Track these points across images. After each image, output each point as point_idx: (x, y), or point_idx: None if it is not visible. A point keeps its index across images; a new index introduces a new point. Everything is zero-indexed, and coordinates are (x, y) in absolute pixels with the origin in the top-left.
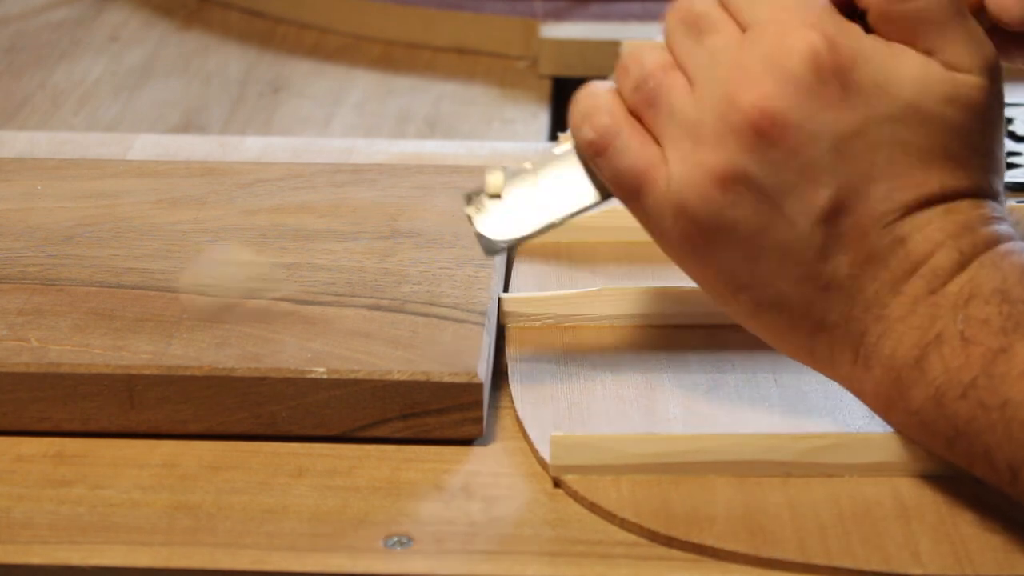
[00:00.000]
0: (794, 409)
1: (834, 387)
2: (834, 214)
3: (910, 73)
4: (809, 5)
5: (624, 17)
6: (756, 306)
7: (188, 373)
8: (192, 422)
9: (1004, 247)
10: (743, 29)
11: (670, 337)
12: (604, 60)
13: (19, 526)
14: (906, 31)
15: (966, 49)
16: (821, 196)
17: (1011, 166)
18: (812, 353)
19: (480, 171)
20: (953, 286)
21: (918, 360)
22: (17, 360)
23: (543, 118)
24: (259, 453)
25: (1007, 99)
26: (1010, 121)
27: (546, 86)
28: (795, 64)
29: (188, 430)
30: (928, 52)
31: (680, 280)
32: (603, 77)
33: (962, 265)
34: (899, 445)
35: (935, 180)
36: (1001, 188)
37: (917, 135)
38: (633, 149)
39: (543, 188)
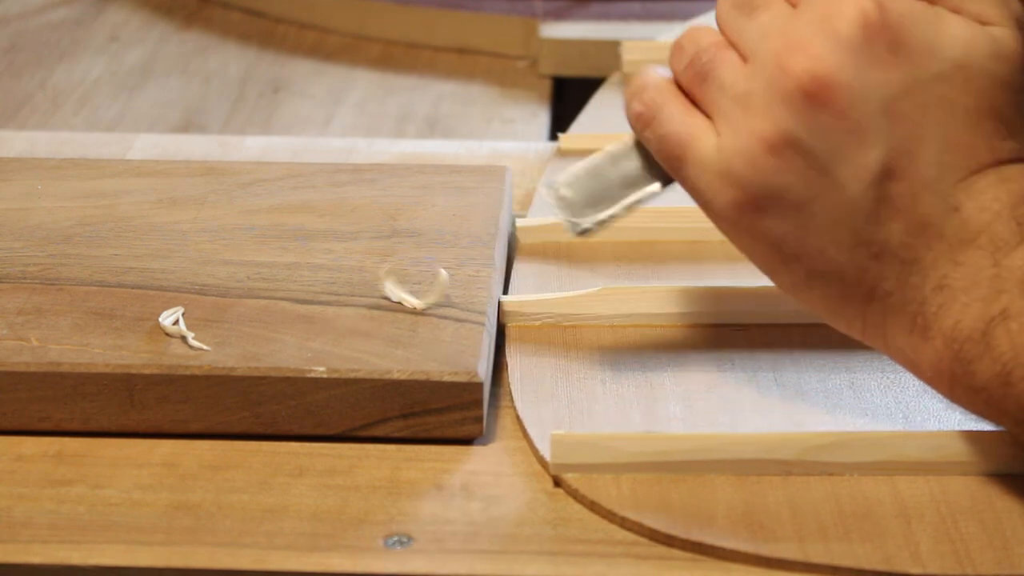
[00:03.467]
0: (794, 408)
1: (834, 386)
2: (885, 177)
3: (956, 32)
4: None
5: (624, 17)
6: (807, 276)
7: (188, 372)
8: (192, 422)
9: None
10: (793, 5)
11: (670, 337)
12: (604, 60)
13: (19, 526)
14: None
15: (990, 4)
16: (871, 159)
17: None
18: (865, 324)
19: (487, 170)
20: (1017, 259)
21: (983, 334)
22: (17, 360)
23: (543, 118)
24: (259, 453)
25: None
26: None
27: (546, 86)
28: (844, 27)
29: (188, 430)
30: (955, 11)
31: (680, 280)
32: (603, 77)
33: (1023, 237)
34: (899, 444)
35: (984, 144)
36: None
37: (965, 94)
38: (677, 117)
39: (611, 178)
